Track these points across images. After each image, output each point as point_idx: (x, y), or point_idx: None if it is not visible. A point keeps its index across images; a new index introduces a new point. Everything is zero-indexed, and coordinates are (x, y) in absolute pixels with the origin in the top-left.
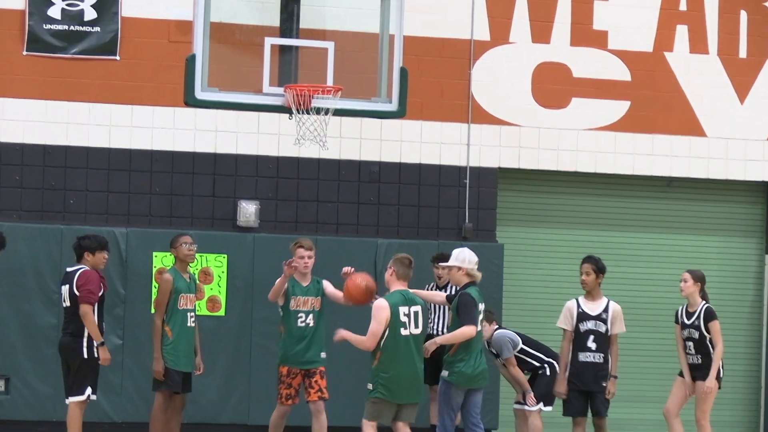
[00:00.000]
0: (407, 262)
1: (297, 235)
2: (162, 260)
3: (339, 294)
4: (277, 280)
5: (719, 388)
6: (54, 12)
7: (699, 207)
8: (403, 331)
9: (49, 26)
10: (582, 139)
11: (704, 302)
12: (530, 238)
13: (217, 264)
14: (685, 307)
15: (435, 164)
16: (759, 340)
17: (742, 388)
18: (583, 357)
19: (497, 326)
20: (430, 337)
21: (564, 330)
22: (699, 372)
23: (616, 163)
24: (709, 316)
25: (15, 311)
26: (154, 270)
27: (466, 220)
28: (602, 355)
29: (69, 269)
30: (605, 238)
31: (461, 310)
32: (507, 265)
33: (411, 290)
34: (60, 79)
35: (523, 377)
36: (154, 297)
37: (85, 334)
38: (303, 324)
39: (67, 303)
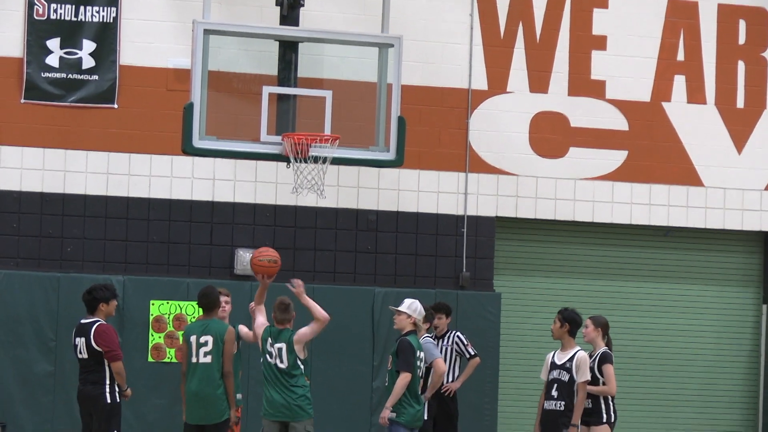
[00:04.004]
0: (283, 307)
1: None
2: (159, 308)
3: (251, 334)
4: None
5: None
6: (52, 60)
7: (696, 256)
8: (269, 359)
9: (47, 74)
10: (579, 189)
11: (605, 347)
12: (527, 287)
13: None
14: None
15: (432, 213)
16: (756, 390)
17: None
18: (547, 405)
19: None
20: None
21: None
22: (591, 417)
23: (613, 212)
24: (603, 359)
25: (11, 359)
26: (152, 318)
27: (464, 269)
28: (563, 403)
29: (84, 321)
30: (602, 288)
31: (400, 355)
32: (504, 314)
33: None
34: (58, 127)
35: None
36: (152, 344)
37: (107, 382)
38: None
39: (84, 355)
